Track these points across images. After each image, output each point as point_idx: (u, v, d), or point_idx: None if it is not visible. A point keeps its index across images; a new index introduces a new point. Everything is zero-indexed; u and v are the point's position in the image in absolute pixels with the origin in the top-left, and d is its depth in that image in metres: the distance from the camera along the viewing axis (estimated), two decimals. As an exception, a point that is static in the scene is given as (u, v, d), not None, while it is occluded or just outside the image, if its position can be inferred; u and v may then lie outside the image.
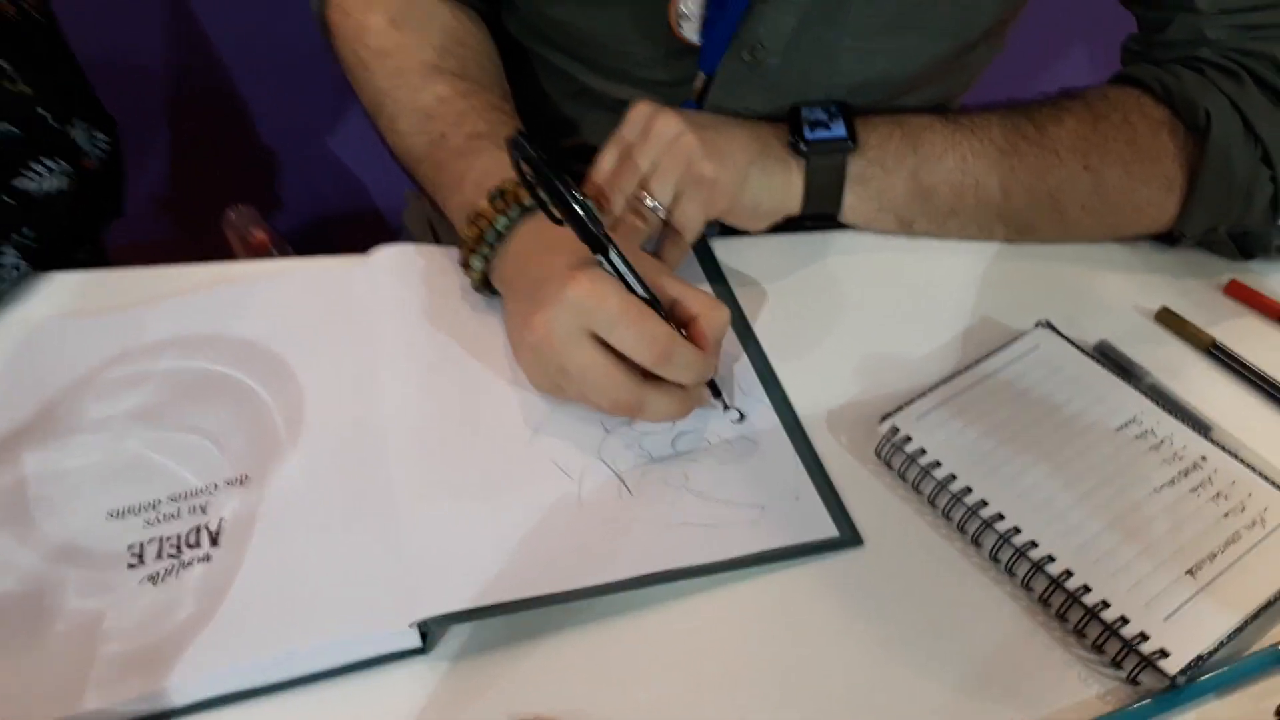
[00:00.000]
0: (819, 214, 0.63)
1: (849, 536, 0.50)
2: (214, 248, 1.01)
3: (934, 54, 0.66)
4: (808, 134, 0.61)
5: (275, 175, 1.22)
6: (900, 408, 0.54)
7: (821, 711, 0.44)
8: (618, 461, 0.52)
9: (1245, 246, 0.67)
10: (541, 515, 0.49)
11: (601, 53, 0.69)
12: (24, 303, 0.60)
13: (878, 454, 0.53)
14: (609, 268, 0.49)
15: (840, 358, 0.59)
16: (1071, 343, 0.58)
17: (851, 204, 0.63)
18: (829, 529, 0.50)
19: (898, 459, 0.52)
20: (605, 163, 0.59)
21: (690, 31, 0.64)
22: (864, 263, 0.66)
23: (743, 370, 0.58)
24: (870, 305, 0.63)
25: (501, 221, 0.55)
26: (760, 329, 0.61)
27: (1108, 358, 0.59)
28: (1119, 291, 0.65)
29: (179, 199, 1.22)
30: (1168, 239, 0.67)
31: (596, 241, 0.49)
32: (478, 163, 0.58)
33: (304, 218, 1.26)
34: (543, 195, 0.49)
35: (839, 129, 0.61)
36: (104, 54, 0.61)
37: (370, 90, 0.66)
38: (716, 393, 0.55)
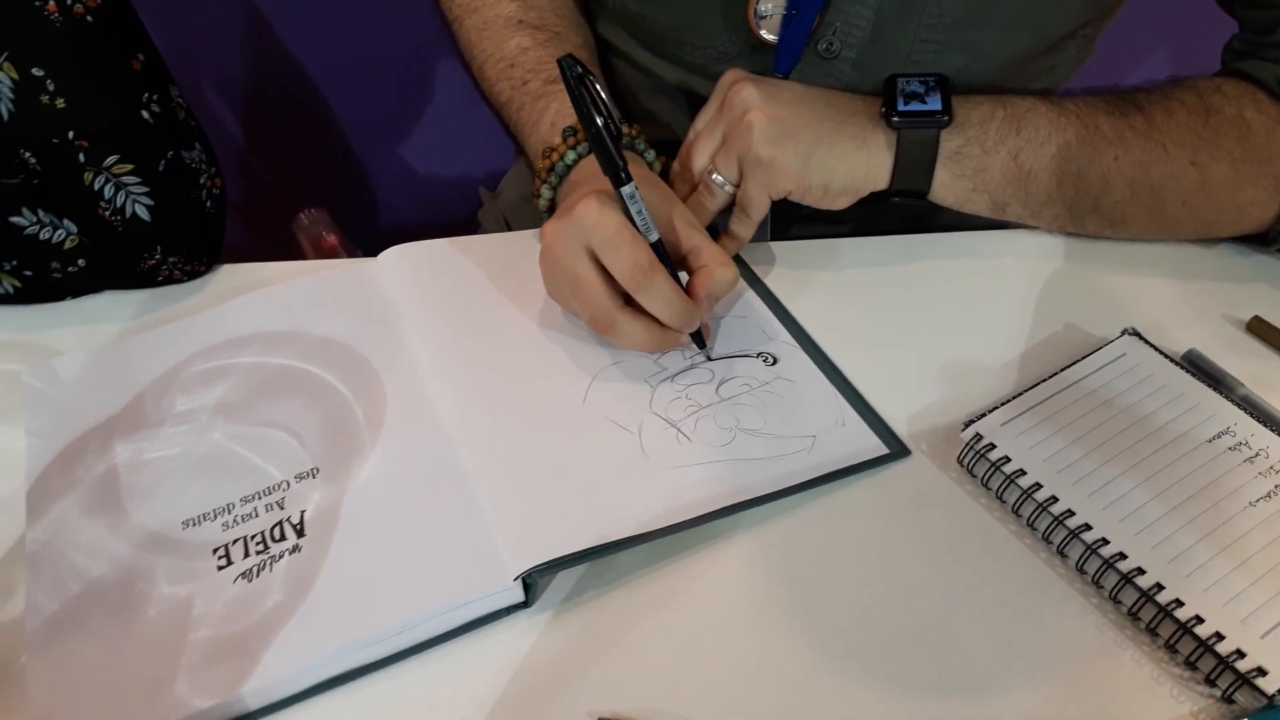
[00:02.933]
0: (907, 191, 0.61)
1: (898, 449, 0.54)
2: (286, 252, 1.03)
3: (1013, 52, 0.64)
4: (900, 106, 0.60)
5: (346, 178, 1.24)
6: (983, 415, 0.53)
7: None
8: (670, 412, 0.55)
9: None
10: (612, 467, 0.52)
11: (680, 47, 0.70)
12: (104, 301, 0.62)
13: (960, 461, 0.52)
14: (623, 200, 0.52)
15: (920, 363, 0.58)
16: (1159, 351, 0.57)
17: (943, 181, 0.61)
18: (878, 446, 0.54)
19: (981, 467, 0.51)
20: (692, 131, 0.63)
21: (768, 30, 0.64)
22: (944, 267, 0.65)
23: (765, 319, 0.61)
24: (950, 310, 0.62)
25: (571, 156, 0.61)
26: (839, 332, 0.60)
27: (1197, 368, 0.57)
28: (1207, 300, 0.63)
29: (251, 204, 1.24)
30: (1259, 239, 0.65)
31: (615, 172, 0.52)
32: (554, 104, 0.64)
33: (376, 220, 1.28)
34: (584, 115, 0.51)
35: (934, 102, 0.60)
36: (174, 61, 0.61)
37: (462, 41, 0.74)
38: (700, 343, 0.58)
